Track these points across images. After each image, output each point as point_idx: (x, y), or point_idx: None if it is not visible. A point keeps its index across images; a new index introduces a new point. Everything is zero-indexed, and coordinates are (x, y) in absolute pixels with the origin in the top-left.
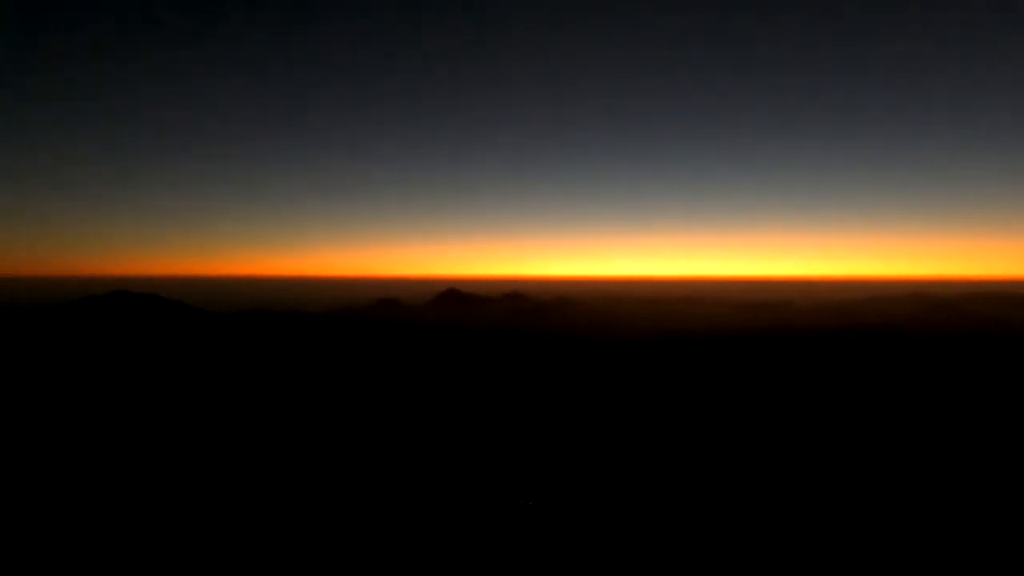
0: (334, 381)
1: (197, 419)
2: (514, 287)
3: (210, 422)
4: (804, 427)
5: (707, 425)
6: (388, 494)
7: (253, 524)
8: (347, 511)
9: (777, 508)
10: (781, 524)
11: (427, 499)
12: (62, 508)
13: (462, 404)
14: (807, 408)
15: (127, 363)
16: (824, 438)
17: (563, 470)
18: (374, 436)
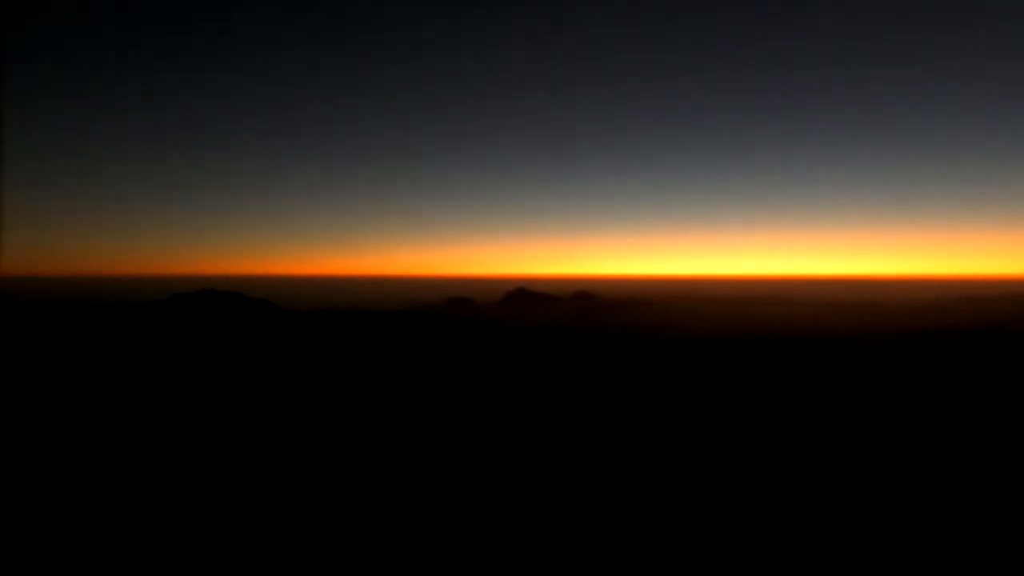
0: (409, 377)
1: (283, 414)
2: (582, 286)
3: (294, 417)
4: (906, 437)
5: (799, 433)
6: (461, 491)
7: (344, 519)
8: (431, 507)
9: (883, 528)
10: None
11: (502, 496)
12: (156, 500)
13: (536, 402)
14: (908, 416)
15: (218, 358)
16: (932, 450)
17: (634, 472)
18: (452, 433)
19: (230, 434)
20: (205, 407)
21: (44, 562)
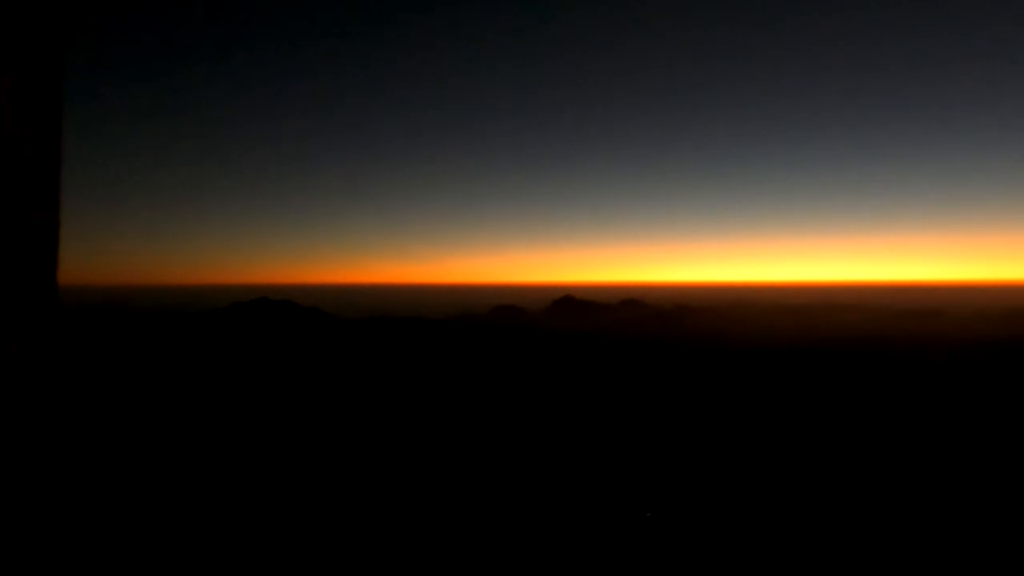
0: (456, 384)
1: (331, 420)
2: (630, 293)
3: (343, 423)
4: (962, 450)
5: (839, 444)
6: (507, 499)
7: (388, 525)
8: (478, 513)
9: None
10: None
11: (551, 506)
12: (218, 505)
13: (585, 410)
14: (967, 429)
15: (274, 365)
16: (985, 464)
17: (687, 483)
18: (501, 439)
19: (278, 438)
20: (258, 413)
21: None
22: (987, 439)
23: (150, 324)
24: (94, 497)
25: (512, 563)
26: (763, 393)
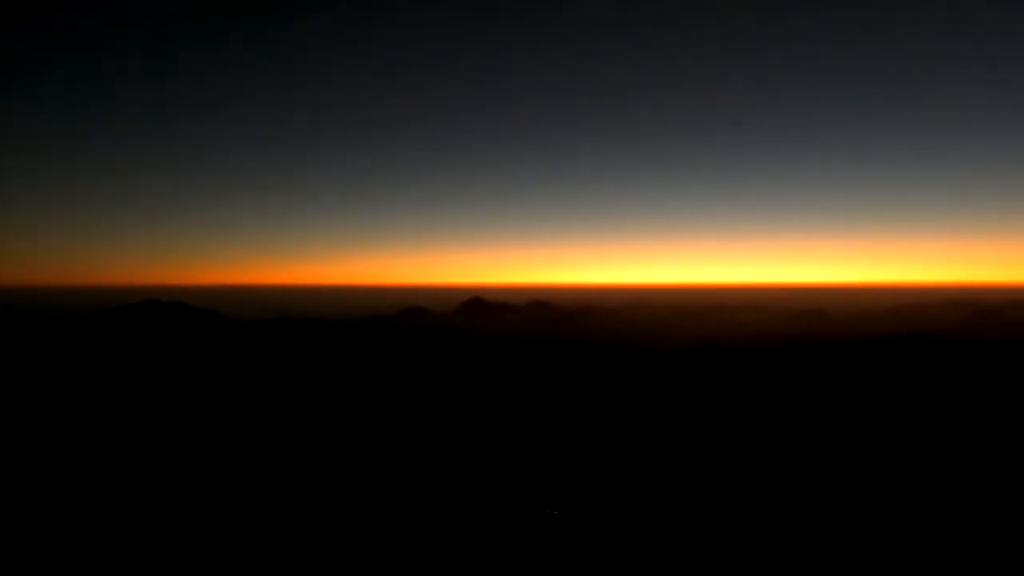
0: (361, 388)
1: (227, 423)
2: (539, 295)
3: (239, 427)
4: (844, 438)
5: (741, 437)
6: (407, 501)
7: (272, 527)
8: (361, 516)
9: (811, 517)
10: (814, 534)
11: (448, 507)
12: (87, 509)
13: (489, 412)
14: (847, 419)
15: (162, 369)
16: (866, 449)
17: (589, 480)
18: (401, 443)
19: (178, 445)
20: (149, 419)
21: None
22: (868, 425)
23: (24, 327)
24: None
25: (415, 560)
26: (664, 392)
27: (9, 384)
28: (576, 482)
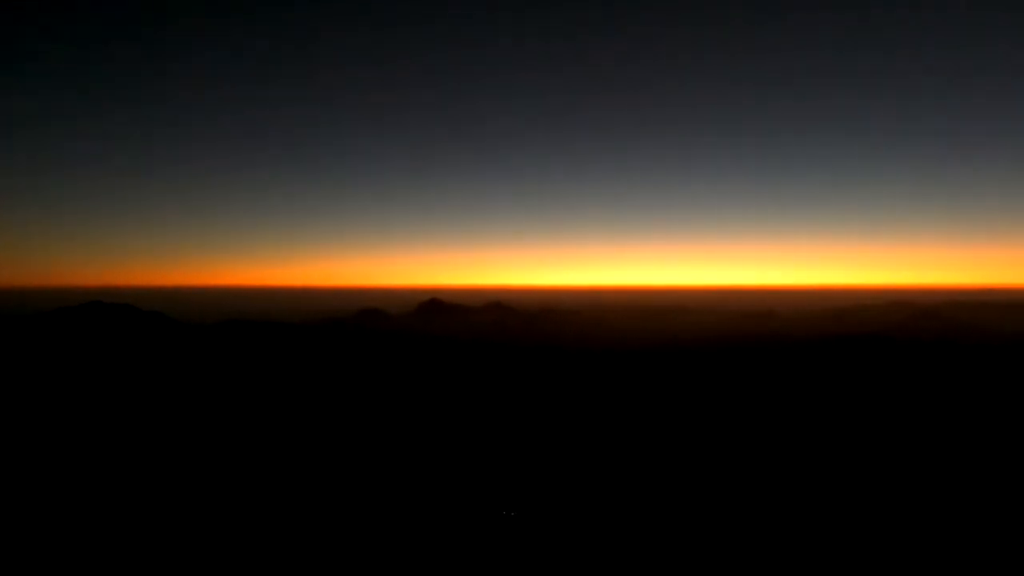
0: (318, 390)
1: (179, 429)
2: (497, 297)
3: (192, 432)
4: (791, 434)
5: (693, 434)
6: (364, 503)
7: (226, 530)
8: (317, 519)
9: (760, 513)
10: (765, 528)
11: (405, 508)
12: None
13: (446, 414)
14: (795, 415)
15: (106, 374)
16: (812, 444)
17: (545, 480)
18: (357, 445)
19: (126, 453)
20: (94, 423)
21: None
22: (818, 421)
23: None
24: None
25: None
26: (621, 392)
27: None
28: (532, 483)
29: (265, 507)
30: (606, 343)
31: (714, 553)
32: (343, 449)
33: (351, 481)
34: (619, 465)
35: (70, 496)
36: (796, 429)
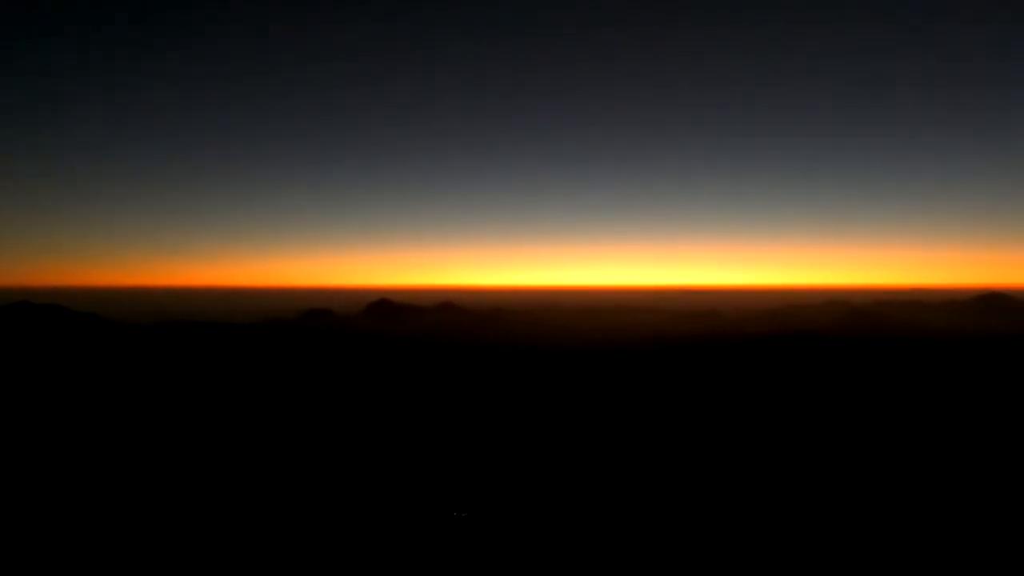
0: (262, 392)
1: (115, 433)
2: (447, 297)
3: (130, 437)
4: (733, 430)
5: (641, 433)
6: (309, 506)
7: (150, 540)
8: (264, 524)
9: (715, 509)
10: (699, 530)
11: (353, 511)
12: None
13: (395, 414)
14: (741, 413)
15: (34, 377)
16: (753, 441)
17: (495, 481)
18: (307, 445)
19: (61, 459)
20: (22, 430)
21: None
22: (759, 418)
23: None
24: None
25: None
26: (571, 392)
27: None
28: (480, 484)
29: (196, 514)
30: (555, 343)
31: (624, 551)
32: (292, 451)
33: (297, 484)
34: (566, 462)
35: None
36: (740, 428)
